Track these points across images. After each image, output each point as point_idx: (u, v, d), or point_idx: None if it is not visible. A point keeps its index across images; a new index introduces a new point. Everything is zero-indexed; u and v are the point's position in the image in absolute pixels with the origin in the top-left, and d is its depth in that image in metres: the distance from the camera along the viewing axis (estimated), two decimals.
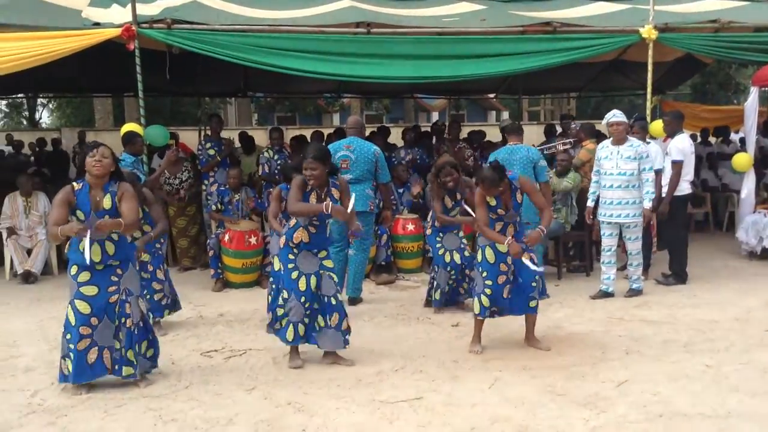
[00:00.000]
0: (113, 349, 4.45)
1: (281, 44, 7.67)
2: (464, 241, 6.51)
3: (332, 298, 4.90)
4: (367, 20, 7.93)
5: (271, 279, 6.03)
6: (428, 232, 6.59)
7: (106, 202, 4.41)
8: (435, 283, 6.39)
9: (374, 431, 3.87)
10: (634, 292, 6.84)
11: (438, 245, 6.41)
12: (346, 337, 4.95)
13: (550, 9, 9.48)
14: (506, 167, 6.62)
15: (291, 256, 4.91)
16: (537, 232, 5.04)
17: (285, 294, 4.90)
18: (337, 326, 4.90)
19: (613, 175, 6.65)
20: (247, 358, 5.19)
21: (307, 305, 4.84)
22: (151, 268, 5.77)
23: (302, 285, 4.84)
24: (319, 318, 4.91)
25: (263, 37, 7.67)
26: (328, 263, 4.97)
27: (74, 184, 4.41)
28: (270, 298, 5.99)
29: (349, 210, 4.76)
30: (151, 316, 5.21)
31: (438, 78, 8.24)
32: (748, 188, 8.70)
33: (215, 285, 7.52)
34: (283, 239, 4.97)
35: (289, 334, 4.86)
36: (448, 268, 6.32)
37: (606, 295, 6.80)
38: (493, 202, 5.08)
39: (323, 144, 7.19)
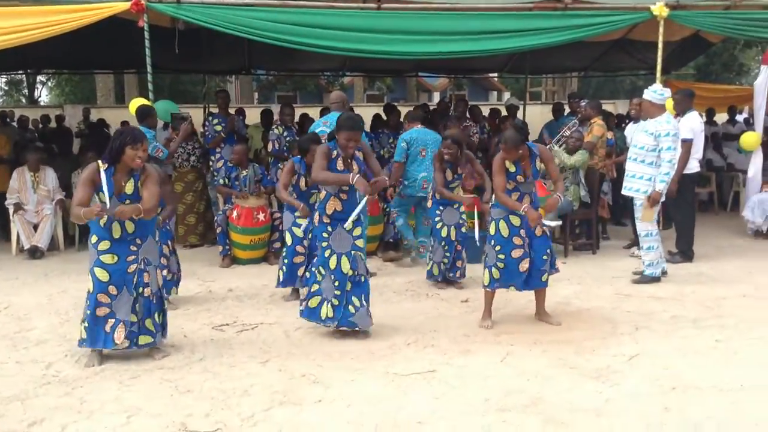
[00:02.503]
0: (129, 323, 4.46)
1: (290, 18, 7.61)
2: (463, 217, 6.51)
3: (363, 277, 4.93)
4: None
5: (283, 254, 6.04)
6: (429, 204, 6.61)
7: (129, 187, 4.41)
8: (430, 256, 6.45)
9: (389, 402, 3.90)
10: (645, 278, 6.54)
11: (437, 218, 6.45)
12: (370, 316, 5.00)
13: None
14: (422, 146, 6.64)
15: (325, 234, 4.91)
16: (554, 198, 5.08)
17: (322, 270, 4.94)
18: (366, 306, 4.94)
19: (633, 148, 6.60)
20: (259, 332, 5.21)
21: (336, 284, 4.86)
22: (159, 244, 5.76)
23: (332, 263, 4.87)
24: (354, 299, 4.91)
25: (273, 11, 7.62)
26: (360, 243, 4.95)
27: (99, 163, 4.38)
28: (281, 273, 6.01)
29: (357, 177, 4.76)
30: None
31: (447, 54, 8.18)
32: (755, 167, 8.70)
33: (223, 261, 7.54)
34: (317, 216, 4.97)
35: (323, 312, 4.90)
36: (443, 243, 6.36)
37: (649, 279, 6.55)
38: (513, 168, 5.09)
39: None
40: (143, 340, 4.53)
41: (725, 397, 3.92)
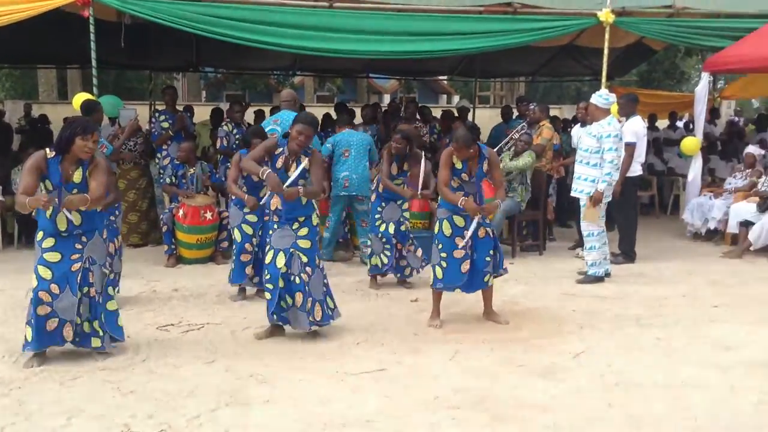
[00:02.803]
0: (75, 324, 4.33)
1: (241, 15, 7.55)
2: (405, 215, 6.52)
3: (297, 277, 4.83)
4: None
5: (233, 250, 5.96)
6: (372, 198, 6.61)
7: (77, 176, 4.29)
8: (370, 249, 6.44)
9: (339, 401, 3.88)
10: (588, 278, 6.65)
11: (377, 214, 6.45)
12: (310, 318, 4.86)
13: None
14: (345, 147, 6.74)
15: (271, 231, 4.92)
16: (493, 204, 5.13)
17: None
18: (302, 306, 4.83)
19: (579, 150, 6.75)
20: (206, 332, 5.13)
21: (268, 277, 4.83)
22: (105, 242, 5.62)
23: (268, 258, 4.86)
24: (287, 297, 4.87)
25: (222, 7, 7.54)
26: (303, 243, 4.86)
27: (47, 151, 4.25)
28: (231, 271, 5.93)
29: (290, 180, 4.73)
30: None
31: (398, 54, 8.25)
32: (695, 171, 8.96)
33: (168, 261, 7.39)
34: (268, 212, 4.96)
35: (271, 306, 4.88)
36: (380, 236, 6.36)
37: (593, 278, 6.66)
38: (459, 165, 5.12)
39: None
40: (95, 342, 4.42)
41: (667, 393, 4.02)
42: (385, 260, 6.37)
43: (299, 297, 4.83)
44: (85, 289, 4.36)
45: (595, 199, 6.48)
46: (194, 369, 4.35)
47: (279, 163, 4.83)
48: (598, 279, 6.62)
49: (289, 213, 4.84)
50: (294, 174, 4.77)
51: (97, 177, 4.32)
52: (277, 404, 3.84)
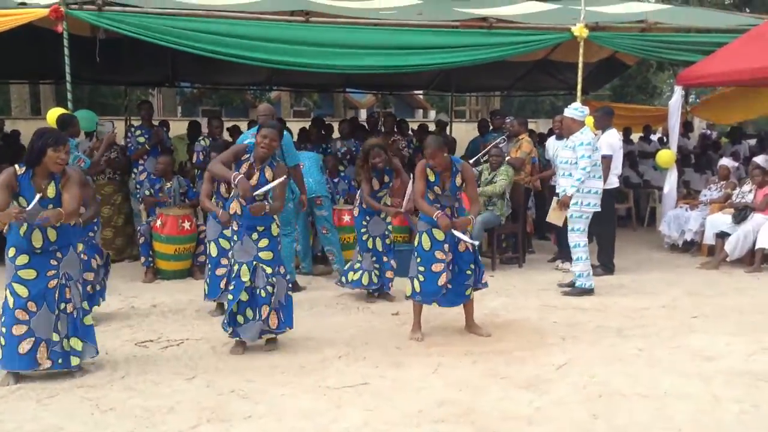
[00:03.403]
0: (51, 342, 4.25)
1: (217, 29, 7.51)
2: (389, 228, 6.52)
3: (262, 290, 4.80)
4: (305, 9, 7.86)
5: (208, 265, 5.90)
6: (355, 213, 6.59)
7: (51, 191, 4.21)
8: (359, 265, 6.39)
9: (321, 416, 3.84)
10: (575, 290, 6.65)
11: (363, 229, 6.42)
12: (264, 327, 4.86)
13: (485, 6, 9.61)
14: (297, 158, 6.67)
15: (231, 243, 4.89)
16: (465, 218, 5.12)
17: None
18: (266, 319, 4.82)
19: (559, 163, 6.80)
20: (185, 348, 5.05)
21: (232, 287, 4.81)
22: (85, 257, 5.52)
23: (233, 273, 4.84)
24: (248, 310, 4.83)
25: (197, 21, 7.50)
26: (265, 255, 4.83)
27: (17, 167, 4.17)
28: (206, 286, 5.87)
29: (262, 190, 4.72)
30: None
31: (375, 68, 8.25)
32: (670, 184, 9.06)
33: (146, 276, 7.29)
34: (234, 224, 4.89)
35: (239, 319, 4.84)
36: (371, 254, 6.35)
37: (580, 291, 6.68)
38: (432, 177, 5.12)
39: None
40: (74, 361, 4.33)
41: (650, 403, 4.03)
42: (375, 279, 6.34)
43: (265, 309, 4.82)
44: (63, 306, 4.28)
45: (562, 202, 6.53)
46: (174, 385, 4.28)
47: (243, 169, 4.80)
48: (587, 291, 6.64)
49: (249, 220, 4.80)
50: (269, 185, 4.75)
51: (71, 190, 4.23)
52: (259, 420, 3.79)
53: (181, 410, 3.90)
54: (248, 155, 4.85)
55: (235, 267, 4.82)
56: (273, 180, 4.80)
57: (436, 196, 5.16)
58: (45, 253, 4.24)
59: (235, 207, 4.84)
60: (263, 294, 4.80)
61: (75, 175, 4.34)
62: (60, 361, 4.29)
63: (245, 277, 4.77)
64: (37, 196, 4.08)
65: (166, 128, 10.14)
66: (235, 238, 4.85)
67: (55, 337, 4.26)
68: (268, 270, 4.82)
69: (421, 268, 5.15)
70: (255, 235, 4.83)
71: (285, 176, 4.87)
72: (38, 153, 4.12)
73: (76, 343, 4.33)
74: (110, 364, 4.64)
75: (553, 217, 6.70)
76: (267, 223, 4.86)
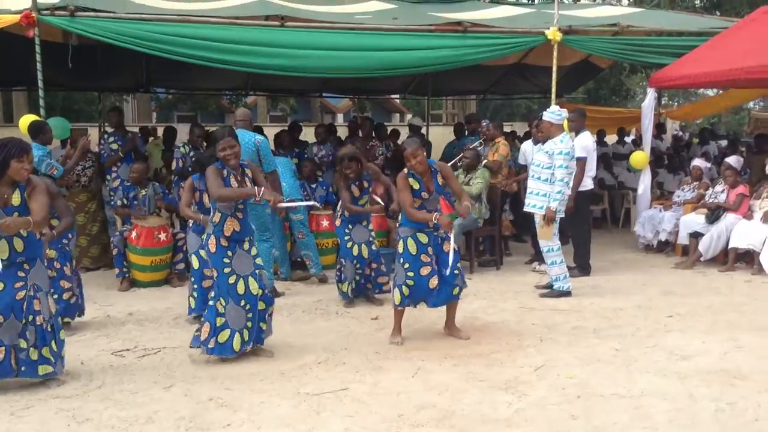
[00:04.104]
0: (19, 349, 4.19)
1: (191, 32, 7.46)
2: (373, 234, 6.53)
3: (270, 292, 4.90)
4: (280, 14, 7.85)
5: (192, 279, 5.84)
6: (337, 223, 6.59)
7: (15, 199, 4.15)
8: (342, 275, 6.40)
9: (301, 423, 3.82)
10: (554, 293, 6.70)
11: (346, 237, 6.42)
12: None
13: (460, 11, 9.68)
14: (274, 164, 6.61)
15: (226, 260, 4.76)
16: (465, 206, 5.10)
17: (222, 301, 4.75)
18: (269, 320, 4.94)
19: (532, 165, 6.84)
20: (162, 356, 5.01)
21: (248, 307, 4.73)
22: (58, 266, 5.48)
23: (240, 289, 4.73)
24: (267, 317, 4.88)
25: (170, 26, 7.44)
26: (260, 261, 4.89)
27: None
28: (193, 300, 5.81)
29: (295, 204, 4.82)
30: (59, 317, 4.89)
31: (351, 71, 8.27)
32: (644, 185, 9.16)
33: (121, 285, 7.21)
34: (213, 241, 4.77)
35: (236, 344, 4.73)
36: (354, 261, 6.34)
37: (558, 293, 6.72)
38: (417, 186, 5.13)
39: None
40: (43, 369, 4.27)
41: (628, 403, 4.06)
42: (354, 285, 6.35)
43: (268, 317, 4.92)
44: (31, 317, 4.21)
45: (548, 218, 6.55)
46: (152, 394, 4.24)
47: (233, 183, 4.79)
48: (565, 293, 6.68)
49: (244, 232, 4.81)
50: (303, 203, 5.03)
51: (38, 198, 4.18)
52: (238, 428, 3.77)
53: (159, 420, 3.86)
54: (224, 170, 4.81)
55: (241, 282, 4.72)
56: (253, 175, 4.91)
57: (422, 201, 5.17)
58: (12, 264, 4.17)
59: (232, 226, 4.76)
60: (269, 295, 4.90)
61: (41, 183, 4.29)
62: (24, 368, 4.23)
63: (254, 289, 4.74)
64: None
65: (141, 135, 10.04)
66: (229, 253, 4.78)
67: (23, 344, 4.20)
68: (267, 275, 4.92)
69: (410, 273, 5.15)
70: (246, 245, 4.82)
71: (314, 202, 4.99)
72: (2, 165, 4.08)
73: (47, 353, 4.27)
74: (86, 374, 4.58)
75: (543, 234, 6.64)
76: (251, 231, 4.93)
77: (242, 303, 4.71)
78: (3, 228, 3.96)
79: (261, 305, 4.79)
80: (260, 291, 4.78)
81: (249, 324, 4.76)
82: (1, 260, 4.08)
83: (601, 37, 8.83)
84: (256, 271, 4.79)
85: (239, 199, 4.76)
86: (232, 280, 4.73)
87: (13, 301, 4.15)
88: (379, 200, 6.70)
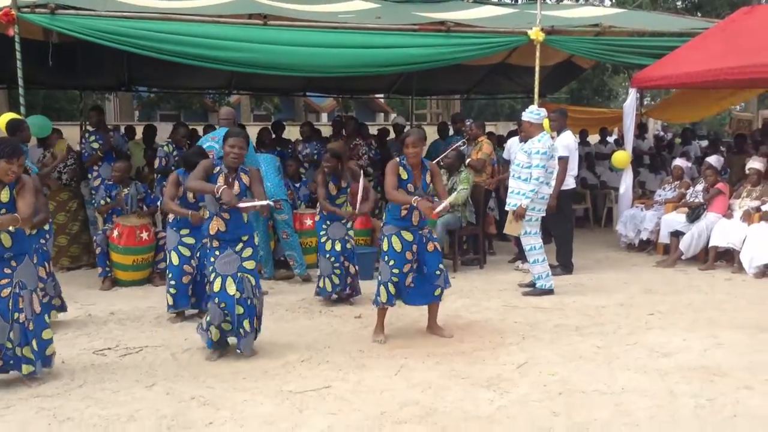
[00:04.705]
0: (4, 348, 4.17)
1: (174, 29, 7.42)
2: (350, 233, 6.51)
3: (250, 300, 4.79)
4: (263, 12, 7.83)
5: (170, 275, 5.82)
6: (316, 218, 6.59)
7: (4, 196, 4.15)
8: (319, 272, 6.39)
9: (284, 421, 3.82)
10: (536, 291, 6.73)
11: (323, 233, 6.41)
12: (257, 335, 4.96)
13: (443, 11, 9.71)
14: (257, 163, 6.55)
15: (212, 259, 4.79)
16: (444, 204, 5.02)
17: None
18: (254, 328, 4.87)
19: (513, 164, 6.89)
20: (144, 355, 4.98)
21: (222, 306, 4.71)
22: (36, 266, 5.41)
23: (216, 286, 4.73)
24: (246, 323, 4.79)
25: (152, 23, 7.40)
26: (249, 264, 4.82)
27: None
28: (170, 297, 5.79)
29: (249, 205, 4.67)
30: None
31: (334, 69, 8.26)
32: (626, 184, 9.23)
33: (103, 284, 7.16)
34: (207, 240, 4.85)
35: (214, 336, 4.80)
36: (328, 256, 6.32)
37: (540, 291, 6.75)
38: (405, 176, 5.13)
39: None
40: (26, 369, 4.24)
41: (609, 399, 4.09)
42: (336, 281, 6.30)
43: (250, 322, 4.82)
44: (16, 315, 4.19)
45: (517, 214, 6.58)
46: (133, 393, 4.22)
47: (220, 181, 4.76)
48: (547, 291, 6.71)
49: (233, 233, 4.78)
50: (256, 203, 4.71)
51: (25, 196, 4.19)
52: (221, 426, 3.75)
53: (141, 418, 3.84)
54: (218, 167, 4.81)
55: (218, 280, 4.72)
56: (250, 183, 4.84)
57: (409, 194, 5.16)
58: (0, 259, 4.15)
59: (217, 225, 4.76)
60: (249, 303, 4.79)
61: (30, 182, 4.29)
62: (11, 362, 4.24)
63: (231, 290, 4.71)
64: None
65: (125, 135, 9.95)
66: (216, 253, 4.77)
67: (8, 345, 4.19)
68: (253, 281, 4.82)
69: (395, 270, 5.16)
70: (239, 246, 4.80)
71: (269, 201, 4.83)
72: None
73: (28, 352, 4.25)
74: (67, 373, 4.55)
75: (510, 228, 6.77)
76: (250, 231, 4.89)
77: (216, 300, 4.71)
78: None
79: (239, 309, 4.74)
80: (238, 294, 4.73)
81: (225, 326, 4.76)
82: None
83: (583, 38, 8.89)
84: (238, 274, 4.76)
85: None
86: (212, 277, 4.78)
87: None
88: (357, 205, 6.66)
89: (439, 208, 4.93)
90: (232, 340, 4.93)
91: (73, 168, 8.24)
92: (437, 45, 8.26)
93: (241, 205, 4.65)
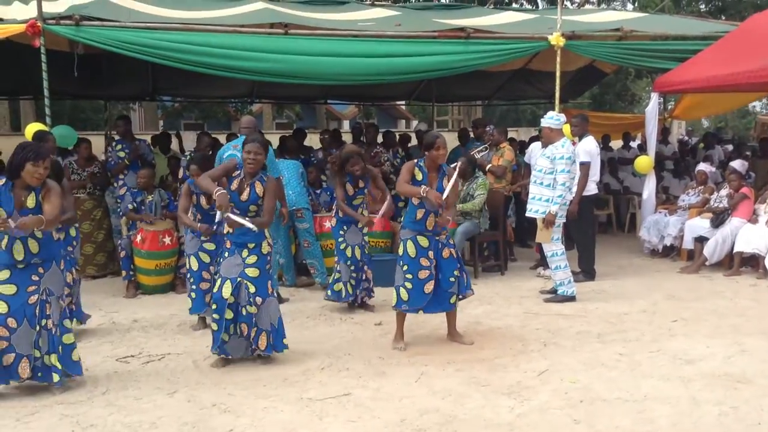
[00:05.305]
0: (32, 358, 4.24)
1: (197, 40, 7.51)
2: (366, 238, 6.52)
3: (244, 308, 4.79)
4: (284, 22, 7.90)
5: (191, 279, 5.88)
6: (333, 223, 6.60)
7: (30, 201, 4.22)
8: (339, 275, 6.39)
9: (304, 428, 3.83)
10: (557, 297, 6.69)
11: (341, 238, 6.43)
12: (253, 347, 4.88)
13: (463, 17, 9.72)
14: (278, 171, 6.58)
15: (220, 260, 4.89)
16: (445, 218, 5.11)
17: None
18: (246, 335, 4.84)
19: (534, 171, 6.86)
20: (167, 363, 5.03)
21: (215, 307, 4.77)
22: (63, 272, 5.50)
23: (216, 287, 4.81)
24: (232, 327, 4.81)
25: (175, 34, 7.49)
26: (251, 271, 4.81)
27: None
28: (190, 300, 5.86)
29: (238, 219, 4.68)
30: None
31: (355, 77, 8.30)
32: (649, 190, 9.15)
33: (127, 291, 7.25)
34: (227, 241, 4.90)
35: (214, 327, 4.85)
36: (348, 263, 6.34)
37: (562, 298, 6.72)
38: (420, 176, 5.13)
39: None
40: (55, 377, 4.30)
41: (631, 407, 4.06)
42: (350, 290, 6.33)
43: (245, 328, 4.82)
44: (43, 322, 4.26)
45: (547, 221, 6.56)
46: (156, 400, 4.26)
47: (234, 185, 4.84)
48: (569, 298, 6.67)
49: (238, 237, 4.82)
50: (246, 222, 4.71)
51: (52, 200, 4.25)
52: None
53: (163, 426, 3.88)
54: (239, 171, 4.87)
55: (218, 281, 4.80)
56: (263, 192, 4.85)
57: (421, 199, 5.16)
58: (27, 267, 4.23)
59: (228, 227, 4.84)
60: (244, 312, 4.79)
61: (56, 186, 4.35)
62: (40, 374, 4.29)
63: (226, 294, 4.74)
64: None
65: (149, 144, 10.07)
66: (226, 255, 4.84)
67: (36, 353, 4.25)
68: (252, 288, 4.80)
69: (409, 275, 5.16)
70: (245, 252, 4.83)
71: (252, 227, 4.75)
72: (17, 166, 4.14)
73: (55, 359, 4.30)
74: (91, 380, 4.61)
75: (541, 237, 6.69)
76: (258, 240, 4.86)
77: (213, 305, 4.80)
78: (20, 227, 4.02)
79: (228, 313, 4.75)
80: (232, 298, 4.74)
81: (215, 326, 4.80)
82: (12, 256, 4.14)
83: (604, 42, 8.84)
84: (237, 279, 4.78)
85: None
86: (216, 276, 4.93)
87: (26, 305, 4.20)
88: (377, 213, 6.68)
89: (447, 190, 5.02)
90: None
91: (99, 176, 8.35)
92: (457, 52, 8.27)
93: (230, 215, 4.68)
